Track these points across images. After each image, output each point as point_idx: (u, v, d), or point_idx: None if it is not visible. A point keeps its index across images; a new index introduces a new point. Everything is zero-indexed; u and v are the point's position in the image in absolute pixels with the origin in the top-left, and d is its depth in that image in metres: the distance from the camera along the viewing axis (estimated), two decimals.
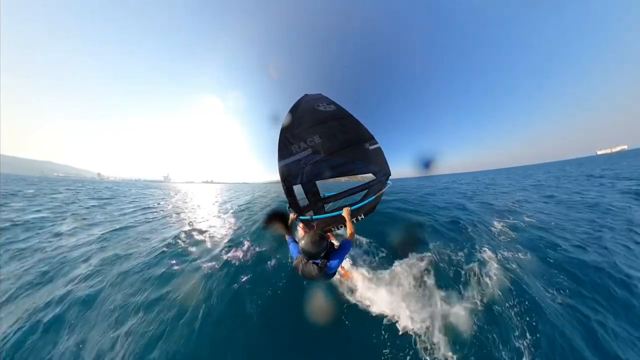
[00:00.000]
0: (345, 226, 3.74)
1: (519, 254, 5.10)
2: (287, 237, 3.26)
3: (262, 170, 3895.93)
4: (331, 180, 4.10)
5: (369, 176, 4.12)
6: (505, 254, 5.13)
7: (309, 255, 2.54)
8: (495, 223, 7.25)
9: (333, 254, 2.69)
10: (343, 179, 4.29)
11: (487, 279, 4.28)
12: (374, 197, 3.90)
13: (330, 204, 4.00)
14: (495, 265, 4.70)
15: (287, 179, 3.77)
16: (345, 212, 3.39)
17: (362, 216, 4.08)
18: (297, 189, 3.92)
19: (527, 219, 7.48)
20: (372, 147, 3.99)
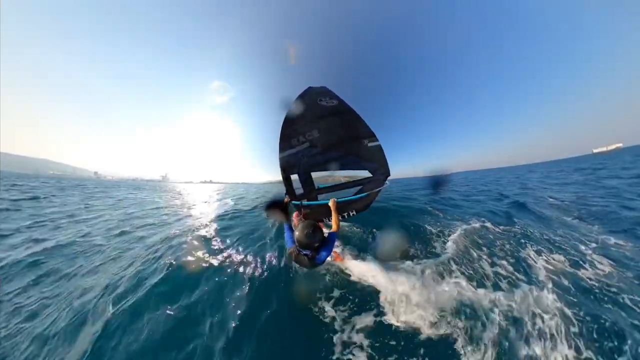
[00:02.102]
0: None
1: None
2: (285, 224, 3.46)
3: (262, 170, 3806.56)
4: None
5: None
6: None
7: (301, 245, 2.70)
8: None
9: (322, 246, 2.85)
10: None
11: None
12: (366, 194, 3.98)
13: (324, 195, 4.20)
14: None
15: (286, 169, 4.07)
16: (330, 202, 3.53)
17: (354, 212, 4.18)
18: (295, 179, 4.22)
19: None
20: (371, 145, 4.04)
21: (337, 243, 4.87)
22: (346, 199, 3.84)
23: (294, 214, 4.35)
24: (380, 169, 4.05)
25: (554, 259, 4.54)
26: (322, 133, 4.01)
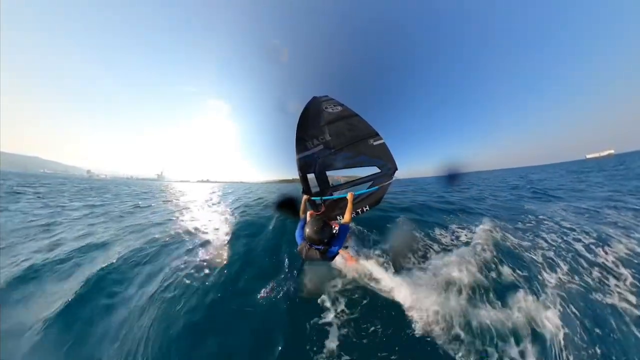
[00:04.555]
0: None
1: None
2: (300, 221, 3.54)
3: (261, 169, 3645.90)
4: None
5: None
6: None
7: (312, 241, 2.74)
8: None
9: (333, 240, 2.92)
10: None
11: None
12: (377, 187, 4.34)
13: (338, 192, 4.49)
14: None
15: (303, 169, 4.37)
16: (349, 196, 3.72)
17: (367, 208, 4.46)
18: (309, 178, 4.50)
19: None
20: (376, 143, 4.56)
21: (351, 243, 4.97)
22: (361, 191, 4.16)
23: (309, 213, 4.50)
24: (388, 164, 4.51)
25: None
26: (333, 136, 4.49)
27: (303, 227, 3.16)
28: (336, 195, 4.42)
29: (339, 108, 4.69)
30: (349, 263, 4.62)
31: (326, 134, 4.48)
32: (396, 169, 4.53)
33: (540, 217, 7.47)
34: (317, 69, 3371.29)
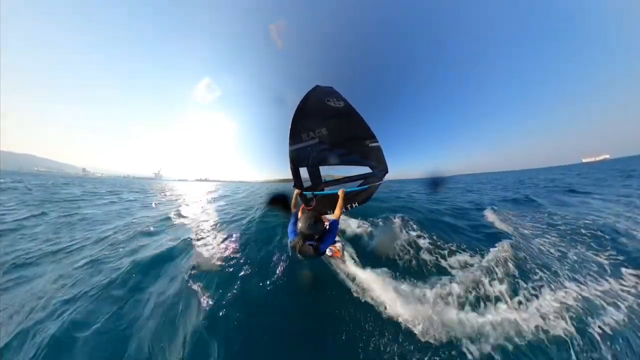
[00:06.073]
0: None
1: None
2: (291, 217, 3.55)
3: (260, 169, 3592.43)
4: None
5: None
6: None
7: (305, 237, 2.78)
8: None
9: (325, 235, 2.97)
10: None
11: None
12: (368, 186, 4.45)
13: (329, 187, 4.55)
14: None
15: (296, 161, 4.36)
16: (340, 192, 3.79)
17: (356, 204, 4.62)
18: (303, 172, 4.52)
19: None
20: (371, 145, 4.56)
21: (337, 238, 5.19)
22: (352, 189, 4.24)
23: (301, 207, 4.60)
24: (380, 166, 4.58)
25: None
26: (330, 131, 4.42)
27: (295, 222, 3.18)
28: (327, 190, 4.49)
29: (342, 103, 4.53)
30: (336, 255, 4.88)
31: (323, 128, 4.40)
32: (387, 172, 4.63)
33: None
34: (317, 65, 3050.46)
